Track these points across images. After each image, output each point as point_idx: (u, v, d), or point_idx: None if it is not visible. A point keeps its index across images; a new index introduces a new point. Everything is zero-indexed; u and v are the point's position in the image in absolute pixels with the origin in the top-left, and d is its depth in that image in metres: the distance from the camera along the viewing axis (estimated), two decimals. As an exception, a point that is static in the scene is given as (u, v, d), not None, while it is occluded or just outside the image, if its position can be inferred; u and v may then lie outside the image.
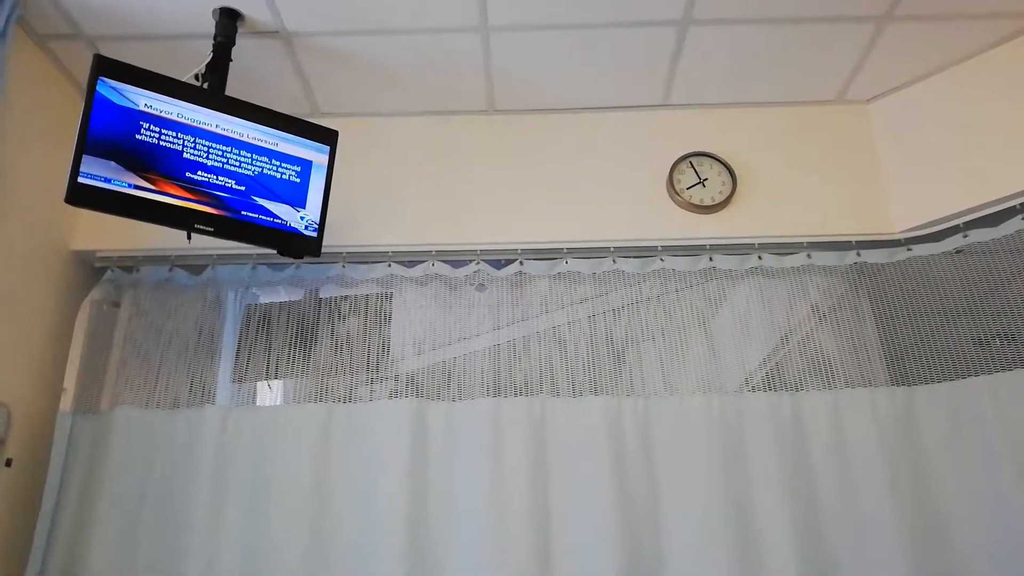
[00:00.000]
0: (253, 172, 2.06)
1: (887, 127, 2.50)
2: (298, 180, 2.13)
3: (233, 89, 2.15)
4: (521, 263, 2.42)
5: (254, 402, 2.36)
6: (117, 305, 2.44)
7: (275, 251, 2.14)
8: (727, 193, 2.43)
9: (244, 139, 2.05)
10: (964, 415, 2.07)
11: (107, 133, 1.86)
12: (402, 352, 2.36)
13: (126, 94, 1.89)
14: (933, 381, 2.17)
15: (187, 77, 2.05)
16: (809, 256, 2.39)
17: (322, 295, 2.46)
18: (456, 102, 2.55)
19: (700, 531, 2.01)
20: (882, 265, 2.38)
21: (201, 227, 1.97)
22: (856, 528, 2.01)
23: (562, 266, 2.42)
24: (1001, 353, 2.13)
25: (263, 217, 2.06)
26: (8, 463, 2.08)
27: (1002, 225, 2.23)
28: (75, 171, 1.81)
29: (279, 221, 2.09)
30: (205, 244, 2.28)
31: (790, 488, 2.04)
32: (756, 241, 2.40)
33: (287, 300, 2.47)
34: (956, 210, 2.27)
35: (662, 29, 2.24)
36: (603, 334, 2.34)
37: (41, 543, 2.07)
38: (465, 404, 2.20)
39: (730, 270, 2.41)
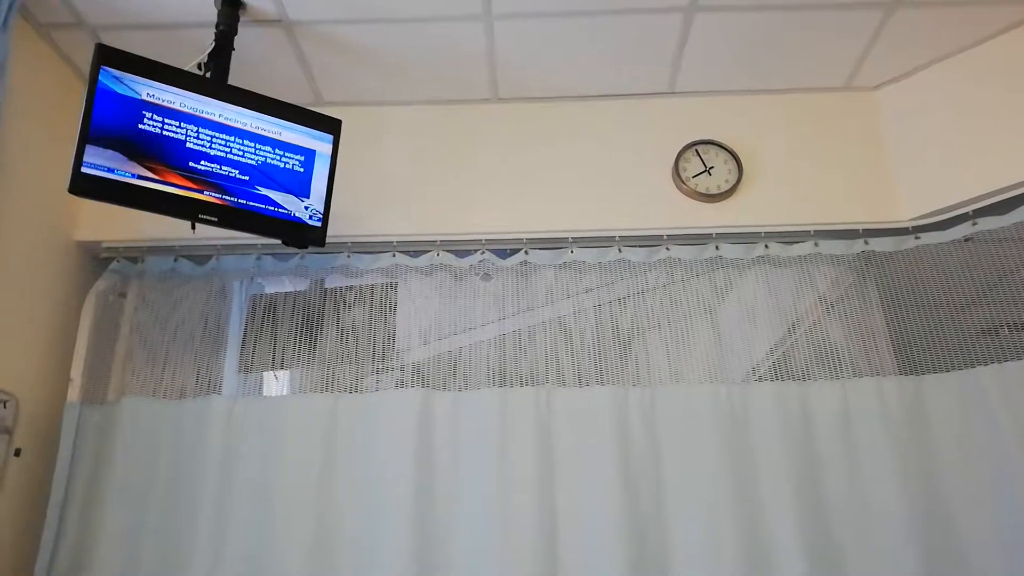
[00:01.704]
0: (256, 161, 2.05)
1: (895, 114, 2.47)
2: (302, 169, 2.12)
3: (236, 78, 2.14)
4: (526, 252, 2.42)
5: (260, 392, 2.37)
6: (123, 295, 2.45)
7: (280, 241, 2.14)
8: (733, 181, 2.41)
9: (247, 128, 2.04)
10: (972, 404, 2.06)
11: (110, 123, 1.85)
12: (408, 342, 2.36)
13: (129, 83, 1.89)
14: (941, 370, 2.16)
15: (190, 66, 2.04)
16: (816, 244, 2.37)
17: (327, 285, 2.46)
18: (460, 90, 2.54)
19: (706, 519, 2.01)
20: (890, 253, 2.36)
21: (205, 217, 1.97)
22: (864, 518, 2.00)
23: (567, 255, 2.41)
24: (1010, 342, 2.11)
25: (267, 207, 2.06)
26: (17, 453, 2.09)
27: (1011, 213, 2.21)
28: (78, 161, 1.80)
29: (283, 211, 2.08)
30: (210, 234, 2.29)
31: (797, 477, 2.03)
32: (763, 229, 2.39)
33: (292, 290, 2.47)
34: (965, 198, 2.25)
35: (668, 16, 2.22)
36: (609, 323, 2.33)
37: (51, 532, 2.09)
38: (471, 394, 2.20)
39: (737, 259, 2.39)
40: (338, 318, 2.40)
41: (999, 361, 2.07)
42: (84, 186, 1.82)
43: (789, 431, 2.09)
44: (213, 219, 1.97)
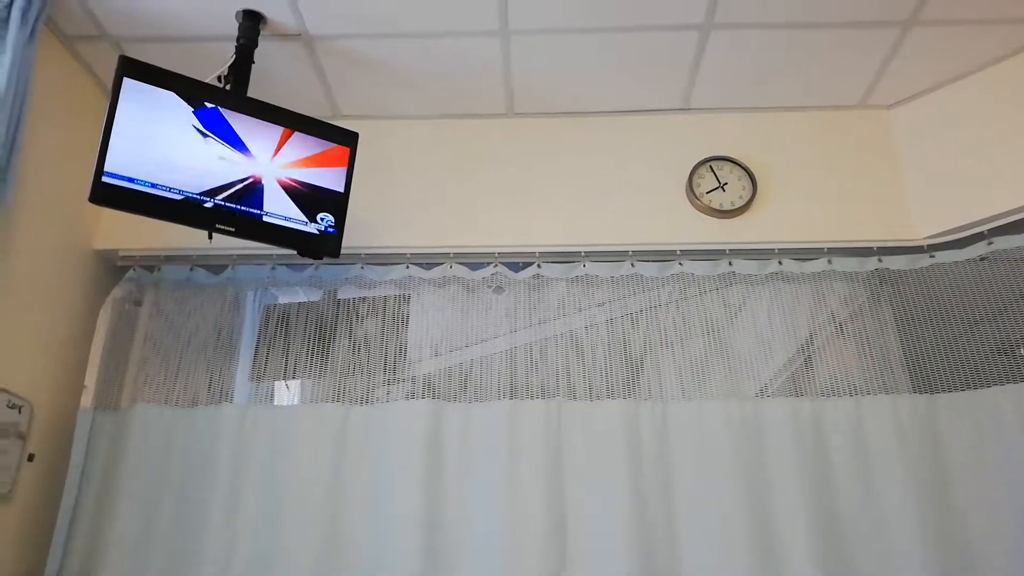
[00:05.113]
0: (274, 173, 2.07)
1: (909, 132, 2.47)
2: (318, 181, 2.14)
3: (255, 91, 2.17)
4: (539, 266, 2.42)
5: (271, 401, 2.38)
6: (138, 304, 2.47)
7: (295, 252, 2.15)
8: (747, 198, 2.41)
9: (266, 140, 2.06)
10: (986, 424, 2.04)
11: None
12: (419, 354, 2.36)
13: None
14: (955, 389, 2.14)
15: (210, 78, 2.07)
16: (830, 262, 2.36)
17: (340, 296, 2.47)
18: (476, 105, 2.56)
19: (717, 537, 1.99)
20: (904, 272, 2.35)
21: (222, 227, 1.99)
22: (876, 536, 1.98)
23: (580, 269, 2.41)
24: (1025, 362, 2.10)
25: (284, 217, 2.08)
26: (30, 458, 2.11)
27: (1027, 233, 2.20)
28: (99, 171, 1.83)
29: (299, 222, 2.10)
30: (226, 244, 2.31)
31: (809, 494, 2.02)
32: (776, 246, 2.39)
33: (306, 301, 2.48)
34: (980, 217, 2.25)
35: (684, 33, 2.24)
36: (621, 338, 2.33)
37: (61, 536, 2.10)
38: (481, 406, 2.20)
39: (750, 275, 2.39)
40: (350, 329, 2.41)
41: (1014, 381, 2.06)
42: (104, 195, 1.84)
43: (802, 448, 2.08)
44: (230, 229, 1.99)
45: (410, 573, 1.98)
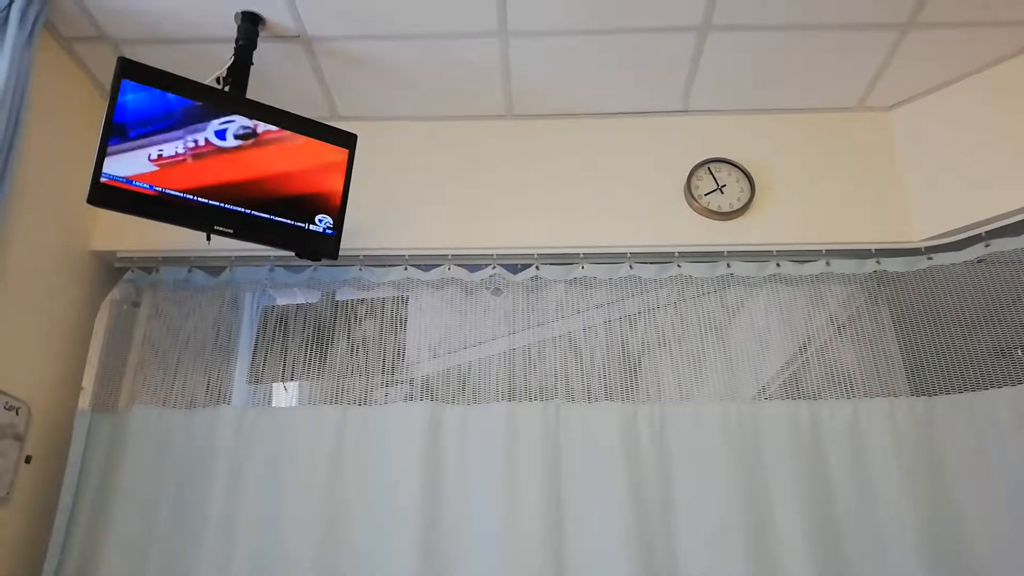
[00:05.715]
0: (272, 174, 2.07)
1: (908, 134, 2.48)
2: (317, 183, 2.14)
3: (254, 92, 2.17)
4: (537, 268, 2.42)
5: (270, 403, 2.38)
6: (136, 305, 2.47)
7: (293, 253, 2.15)
8: (745, 200, 2.41)
9: (264, 142, 2.06)
10: (984, 427, 2.04)
11: (130, 134, 1.87)
12: (417, 355, 2.36)
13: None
14: (954, 392, 2.14)
15: (209, 80, 2.07)
16: (828, 264, 2.37)
17: (338, 298, 2.47)
18: (474, 107, 2.56)
19: (715, 538, 1.99)
20: (902, 274, 2.35)
21: (220, 228, 1.99)
22: (874, 538, 1.98)
23: (578, 271, 2.41)
24: (1023, 365, 2.10)
25: (282, 219, 2.07)
26: (27, 460, 2.10)
27: (1025, 235, 2.20)
28: (97, 172, 1.83)
29: (298, 223, 2.10)
30: (224, 246, 2.30)
31: (807, 497, 2.02)
32: (774, 248, 2.39)
33: (304, 302, 2.48)
34: (978, 219, 2.25)
35: (682, 35, 2.24)
36: (619, 340, 2.33)
37: (59, 538, 2.09)
38: (479, 408, 2.20)
39: (748, 277, 2.39)
40: (348, 331, 2.41)
41: (1012, 384, 2.06)
42: (102, 196, 1.84)
43: (799, 450, 2.08)
44: (228, 230, 1.99)
45: (408, 574, 1.97)
